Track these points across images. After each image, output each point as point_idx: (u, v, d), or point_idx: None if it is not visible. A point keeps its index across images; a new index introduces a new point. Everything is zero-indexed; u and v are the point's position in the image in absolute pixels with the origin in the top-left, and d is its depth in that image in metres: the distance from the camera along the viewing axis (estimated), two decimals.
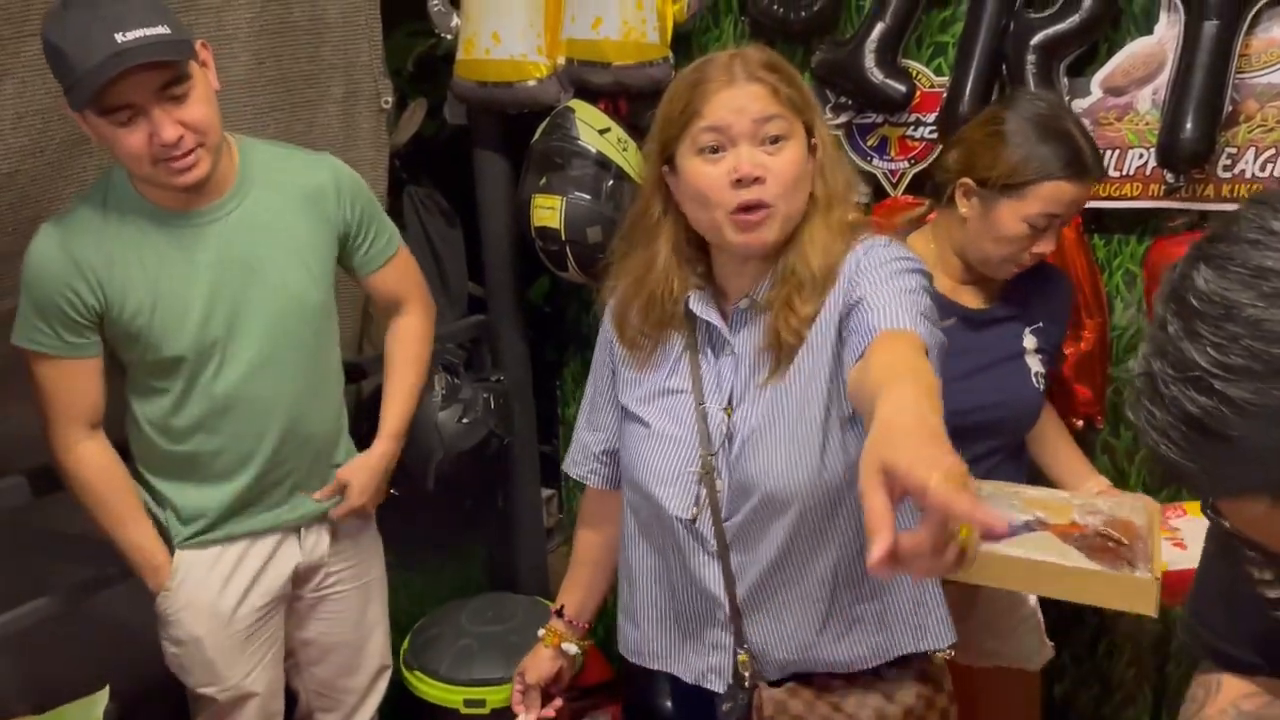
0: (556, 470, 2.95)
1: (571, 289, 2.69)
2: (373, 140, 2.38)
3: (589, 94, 2.32)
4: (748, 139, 1.32)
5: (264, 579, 1.85)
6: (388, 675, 2.12)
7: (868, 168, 2.18)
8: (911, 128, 2.14)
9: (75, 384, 1.68)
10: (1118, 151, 1.95)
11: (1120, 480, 2.10)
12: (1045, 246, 1.73)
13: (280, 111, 2.18)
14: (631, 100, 2.33)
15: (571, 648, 1.68)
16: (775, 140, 1.33)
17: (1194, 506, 1.87)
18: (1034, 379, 1.83)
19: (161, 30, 1.51)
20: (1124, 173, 1.96)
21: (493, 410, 2.45)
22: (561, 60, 2.31)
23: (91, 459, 1.71)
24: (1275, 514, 0.75)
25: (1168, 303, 0.77)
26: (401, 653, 2.44)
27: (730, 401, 1.42)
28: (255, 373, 1.74)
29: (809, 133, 1.37)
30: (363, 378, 2.29)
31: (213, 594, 1.81)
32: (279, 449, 1.80)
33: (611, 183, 2.26)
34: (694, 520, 1.42)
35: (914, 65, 2.11)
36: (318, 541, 1.91)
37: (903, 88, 2.07)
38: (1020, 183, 1.68)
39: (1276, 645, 1.00)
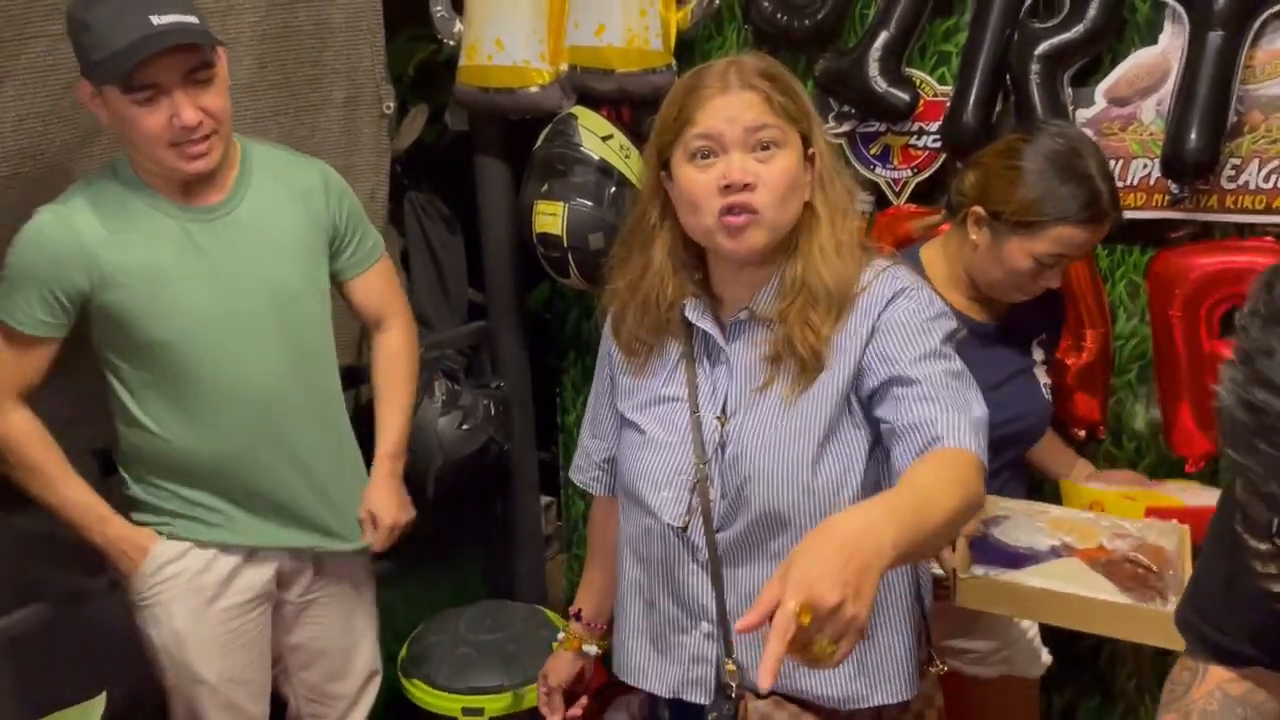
0: (556, 478, 2.94)
1: (572, 296, 2.68)
2: (374, 145, 2.38)
3: (592, 101, 2.32)
4: (739, 146, 1.32)
5: (244, 573, 1.84)
6: (378, 681, 2.11)
7: (870, 176, 2.18)
8: (915, 137, 2.14)
9: (26, 359, 1.70)
10: (1121, 161, 1.95)
11: None
12: (1052, 281, 1.72)
13: (282, 116, 2.18)
14: (634, 107, 2.33)
15: (592, 648, 1.70)
16: (767, 148, 1.32)
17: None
18: (1044, 390, 1.83)
19: (192, 19, 1.58)
20: (1128, 183, 1.95)
21: (492, 417, 2.45)
22: (564, 67, 2.31)
23: (22, 424, 1.72)
24: None
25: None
26: (399, 660, 2.43)
27: (724, 410, 1.41)
28: (242, 362, 1.74)
29: (806, 142, 1.36)
30: (363, 382, 2.28)
31: (190, 585, 1.80)
32: (267, 445, 1.79)
33: (614, 189, 2.25)
34: (685, 528, 1.42)
35: (917, 74, 2.11)
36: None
37: (906, 97, 2.06)
38: (1032, 221, 1.66)
39: (1276, 639, 1.00)
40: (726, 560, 1.41)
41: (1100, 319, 2.05)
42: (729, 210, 1.32)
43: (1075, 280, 2.00)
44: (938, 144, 2.09)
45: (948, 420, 1.26)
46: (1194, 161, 1.83)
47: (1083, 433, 2.09)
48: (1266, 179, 1.87)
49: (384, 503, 1.92)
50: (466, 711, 2.34)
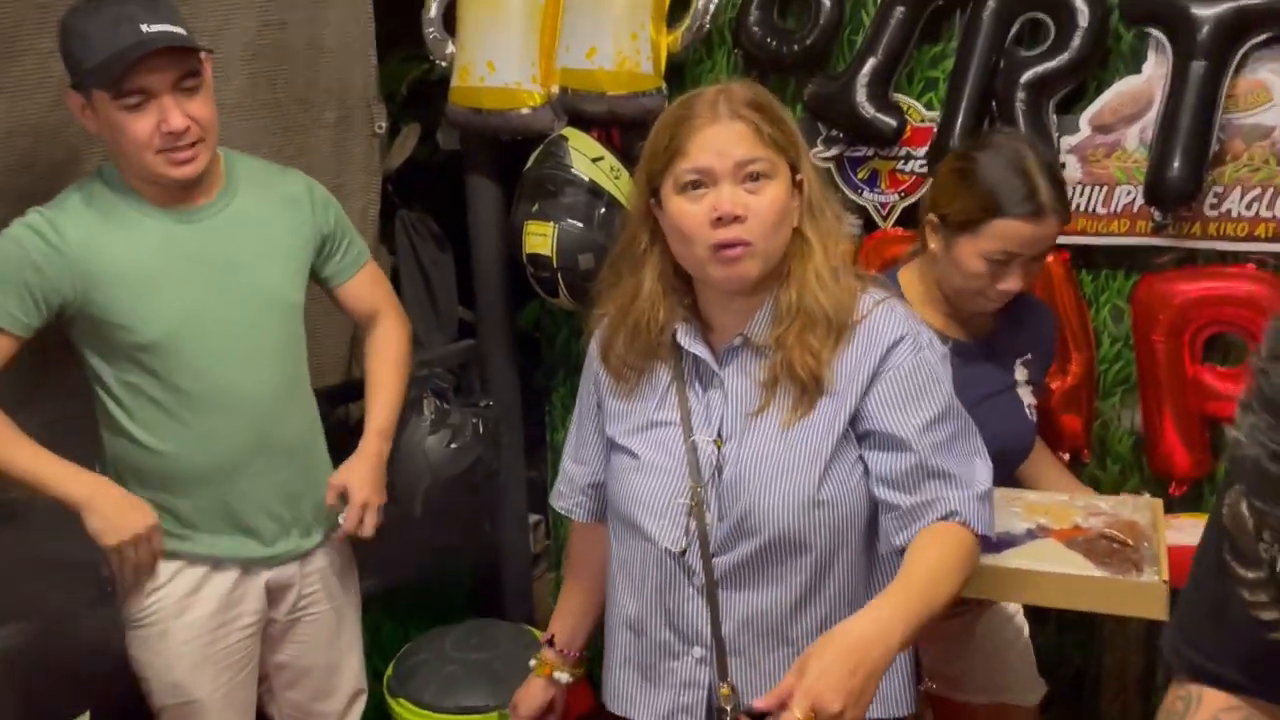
0: (544, 496, 2.94)
1: (561, 315, 2.69)
2: (365, 165, 2.39)
3: (582, 123, 2.33)
4: (729, 178, 1.33)
5: (236, 592, 1.84)
6: (363, 700, 2.11)
7: (858, 200, 2.20)
8: (902, 161, 2.15)
9: None
10: (1105, 188, 1.97)
11: None
12: (1011, 284, 1.71)
13: (273, 135, 2.19)
14: (625, 130, 2.34)
15: (564, 676, 1.68)
16: (756, 179, 1.34)
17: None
18: (1027, 410, 1.83)
19: (181, 31, 1.66)
20: (1111, 210, 1.97)
21: (481, 436, 2.44)
22: (555, 89, 2.32)
23: None
24: None
25: None
26: (385, 679, 2.42)
27: (720, 434, 1.42)
28: (228, 366, 1.75)
29: (794, 169, 1.38)
30: (352, 400, 2.28)
31: (183, 605, 1.80)
32: (253, 452, 1.79)
33: (604, 210, 2.26)
34: (683, 553, 1.42)
35: (905, 100, 2.13)
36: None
37: (894, 122, 2.08)
38: (975, 220, 1.68)
39: (1266, 666, 1.00)
40: (724, 584, 1.41)
41: (1085, 343, 2.06)
42: (723, 245, 1.33)
43: (1060, 305, 2.01)
44: (924, 169, 2.11)
45: (958, 497, 1.33)
46: (1177, 189, 1.85)
47: (1067, 455, 2.11)
48: (1248, 207, 1.89)
49: (359, 478, 1.89)
50: None
